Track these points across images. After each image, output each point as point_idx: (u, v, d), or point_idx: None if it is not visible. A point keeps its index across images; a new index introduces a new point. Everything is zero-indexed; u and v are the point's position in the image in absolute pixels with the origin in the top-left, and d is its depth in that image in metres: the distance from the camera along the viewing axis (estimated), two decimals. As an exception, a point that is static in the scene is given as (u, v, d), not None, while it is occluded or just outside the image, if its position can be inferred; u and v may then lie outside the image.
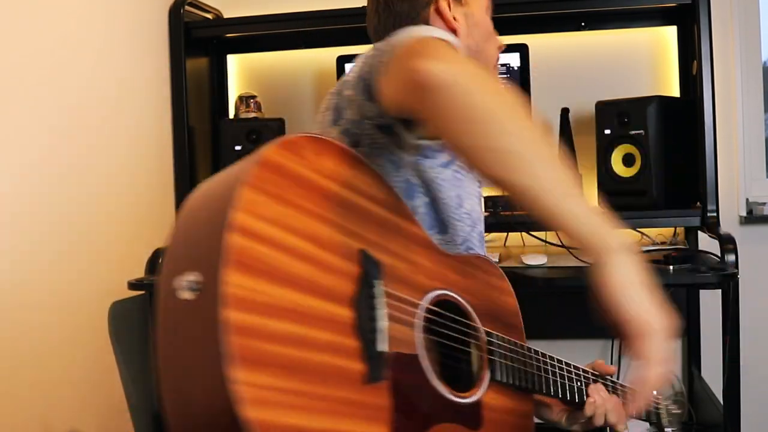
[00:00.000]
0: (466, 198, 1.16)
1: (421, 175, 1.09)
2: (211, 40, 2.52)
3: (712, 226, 2.03)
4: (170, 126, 2.42)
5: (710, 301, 2.34)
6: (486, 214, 2.24)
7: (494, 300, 1.11)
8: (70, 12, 1.91)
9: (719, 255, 1.95)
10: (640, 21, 2.39)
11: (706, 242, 2.15)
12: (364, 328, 0.83)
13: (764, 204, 2.37)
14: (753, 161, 2.44)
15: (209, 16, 2.53)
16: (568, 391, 1.14)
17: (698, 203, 2.10)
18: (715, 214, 2.04)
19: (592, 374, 1.20)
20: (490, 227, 2.34)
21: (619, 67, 2.45)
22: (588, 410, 1.15)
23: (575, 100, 2.39)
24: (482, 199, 1.26)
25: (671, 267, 1.95)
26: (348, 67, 2.34)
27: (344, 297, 0.82)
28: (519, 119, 0.82)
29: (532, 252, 2.21)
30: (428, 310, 0.94)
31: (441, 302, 0.98)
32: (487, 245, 2.48)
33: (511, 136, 0.81)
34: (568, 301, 2.41)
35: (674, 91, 2.39)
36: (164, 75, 2.37)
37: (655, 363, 0.84)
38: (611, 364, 2.44)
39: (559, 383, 1.12)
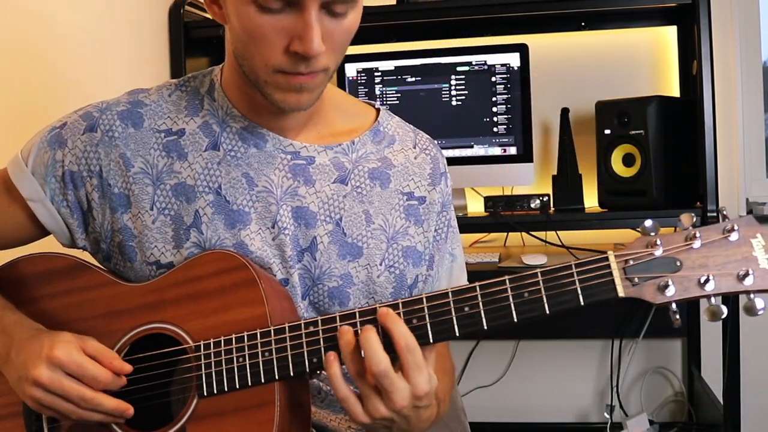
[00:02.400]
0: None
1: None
2: (211, 40, 2.52)
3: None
4: (170, 126, 2.41)
5: (710, 301, 2.34)
6: (485, 214, 2.25)
7: (220, 299, 0.97)
8: (69, 12, 1.91)
9: (719, 255, 1.95)
10: (640, 21, 2.39)
11: (706, 242, 2.14)
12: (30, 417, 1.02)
13: (764, 204, 2.37)
14: (753, 161, 2.44)
15: (209, 16, 2.52)
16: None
17: (698, 203, 2.10)
18: (715, 214, 2.04)
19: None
20: (490, 227, 2.34)
21: (619, 67, 2.45)
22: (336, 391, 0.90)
23: (575, 100, 2.39)
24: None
25: (671, 267, 1.95)
26: (347, 66, 2.34)
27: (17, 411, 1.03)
28: None
29: (532, 252, 2.21)
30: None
31: (138, 341, 1.00)
32: (487, 245, 2.49)
33: None
34: (568, 301, 2.40)
35: (674, 91, 2.39)
36: (164, 75, 2.37)
37: None
38: (611, 364, 2.46)
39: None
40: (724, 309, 0.84)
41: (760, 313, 0.83)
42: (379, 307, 0.90)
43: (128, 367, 0.96)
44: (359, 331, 0.89)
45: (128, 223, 1.04)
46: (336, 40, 0.94)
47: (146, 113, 1.07)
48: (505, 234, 2.45)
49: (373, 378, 0.86)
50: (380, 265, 1.07)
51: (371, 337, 0.87)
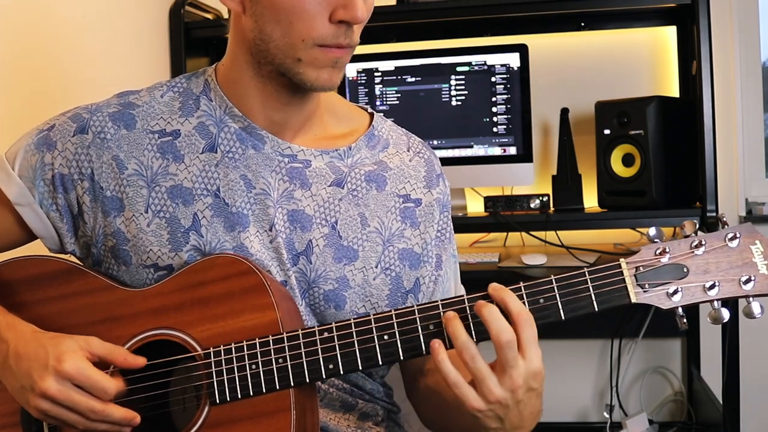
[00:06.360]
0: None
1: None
2: (211, 41, 2.52)
3: (711, 226, 2.03)
4: (170, 126, 2.41)
5: (710, 301, 2.34)
6: (485, 214, 2.25)
7: (228, 304, 0.96)
8: (69, 12, 1.91)
9: (719, 255, 1.95)
10: (640, 21, 2.39)
11: (706, 242, 2.15)
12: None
13: (764, 204, 2.37)
14: (753, 161, 2.44)
15: (209, 16, 2.53)
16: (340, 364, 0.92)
17: (698, 203, 2.10)
18: (714, 214, 2.04)
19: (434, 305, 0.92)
20: (490, 227, 2.35)
21: (619, 67, 2.45)
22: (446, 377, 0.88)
23: (575, 100, 2.39)
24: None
25: (671, 267, 1.95)
26: (347, 67, 2.34)
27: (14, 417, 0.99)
28: None
29: (532, 252, 2.21)
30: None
31: (140, 348, 0.97)
32: (487, 245, 2.50)
33: None
34: (567, 301, 2.40)
35: (674, 91, 2.39)
36: (164, 75, 2.37)
37: None
38: (611, 363, 2.46)
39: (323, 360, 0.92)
40: (726, 314, 0.87)
41: (757, 316, 0.86)
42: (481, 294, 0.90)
43: (142, 360, 0.94)
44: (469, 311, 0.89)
45: (121, 226, 1.02)
46: (365, 14, 0.97)
47: (138, 114, 1.06)
48: (505, 234, 2.45)
49: (498, 352, 0.86)
50: (376, 267, 1.06)
51: (494, 309, 0.86)
